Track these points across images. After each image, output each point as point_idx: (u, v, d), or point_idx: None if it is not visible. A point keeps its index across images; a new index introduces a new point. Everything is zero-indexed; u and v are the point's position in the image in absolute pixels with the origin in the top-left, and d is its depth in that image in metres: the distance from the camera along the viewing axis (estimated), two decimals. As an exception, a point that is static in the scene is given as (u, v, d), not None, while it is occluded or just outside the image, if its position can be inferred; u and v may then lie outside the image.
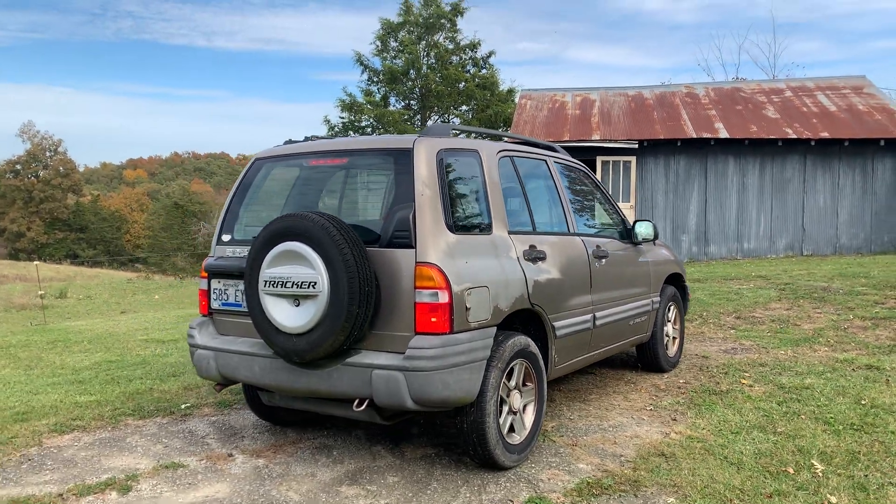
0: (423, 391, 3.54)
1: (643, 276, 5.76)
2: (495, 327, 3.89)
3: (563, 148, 5.61)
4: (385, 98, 27.63)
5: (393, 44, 27.57)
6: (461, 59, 27.56)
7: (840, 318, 8.33)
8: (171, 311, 12.89)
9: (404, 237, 3.67)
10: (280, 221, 3.76)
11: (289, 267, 3.68)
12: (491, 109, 26.40)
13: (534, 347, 4.20)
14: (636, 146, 16.92)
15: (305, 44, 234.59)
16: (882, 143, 16.33)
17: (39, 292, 13.38)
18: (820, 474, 3.86)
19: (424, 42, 27.23)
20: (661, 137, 17.06)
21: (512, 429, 4.09)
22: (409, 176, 3.78)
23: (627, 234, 5.66)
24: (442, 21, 27.33)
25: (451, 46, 27.32)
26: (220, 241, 4.42)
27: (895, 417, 4.74)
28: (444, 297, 3.58)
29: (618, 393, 5.60)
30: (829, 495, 3.59)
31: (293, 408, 4.41)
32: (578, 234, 4.96)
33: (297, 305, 3.70)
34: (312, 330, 3.63)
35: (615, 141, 16.86)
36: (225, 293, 4.28)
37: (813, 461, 4.03)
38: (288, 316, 3.70)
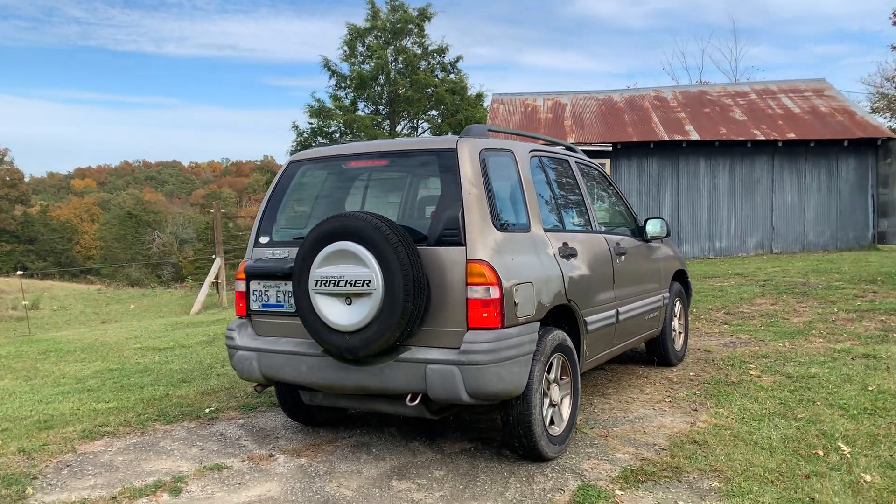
0: (477, 384, 3.63)
1: (655, 273, 5.93)
2: (539, 322, 4.00)
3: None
4: (354, 103, 27.62)
5: (360, 49, 27.58)
6: (429, 63, 27.72)
7: (825, 312, 8.64)
8: (155, 320, 12.72)
9: (454, 235, 3.76)
10: (331, 222, 3.82)
11: (341, 266, 3.74)
12: (461, 114, 26.59)
13: (569, 342, 4.32)
14: (610, 148, 17.23)
15: (258, 49, 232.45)
16: (845, 143, 16.91)
17: (24, 302, 13.08)
18: (848, 455, 4.05)
19: (392, 47, 27.31)
20: (634, 140, 17.41)
21: (552, 421, 4.20)
22: (455, 175, 3.88)
23: (640, 231, 5.82)
24: (409, 26, 27.47)
25: (419, 51, 27.45)
26: (257, 244, 4.44)
27: (904, 401, 4.97)
28: (495, 293, 3.68)
29: (633, 387, 5.76)
30: (862, 474, 3.77)
31: (336, 406, 4.45)
32: (600, 232, 5.11)
33: (350, 304, 3.76)
34: (366, 327, 3.69)
35: (589, 144, 17.14)
36: (265, 294, 4.31)
37: (839, 444, 4.22)
38: (340, 314, 3.76)
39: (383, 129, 27.17)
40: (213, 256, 14.16)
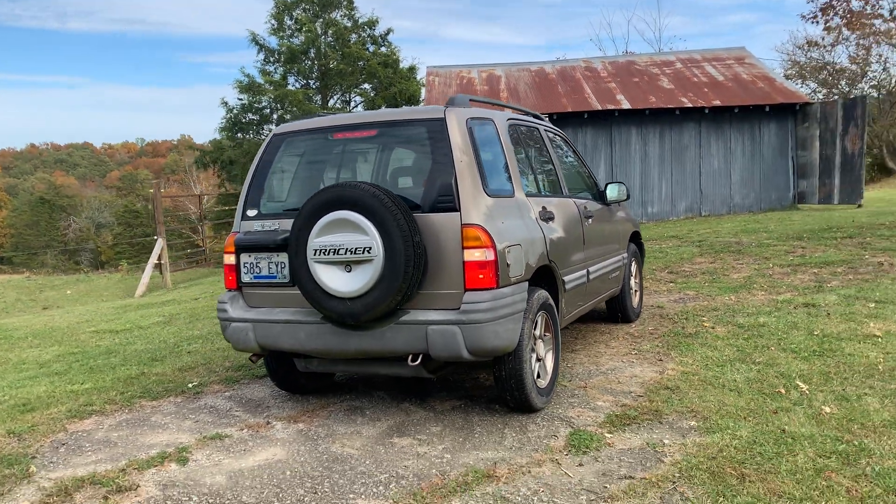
0: (477, 342, 3.83)
1: (616, 235, 6.25)
2: (527, 282, 4.22)
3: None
4: (284, 78, 27.17)
5: (289, 22, 27.09)
6: (360, 37, 27.46)
7: (762, 267, 9.20)
8: (100, 304, 12.44)
9: (448, 202, 3.93)
10: (328, 192, 3.92)
11: (340, 235, 3.86)
12: (395, 87, 26.52)
13: (551, 300, 4.56)
14: (546, 119, 17.56)
15: (170, 24, 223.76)
16: (767, 109, 17.74)
17: (-38, 291, 12.52)
18: (807, 392, 4.45)
19: (322, 20, 26.92)
20: (569, 110, 17.80)
21: (538, 375, 4.45)
22: (445, 144, 4.03)
23: (600, 195, 6.10)
24: (338, -1, 27.11)
25: (349, 24, 27.15)
26: (245, 217, 4.50)
27: (847, 343, 5.43)
28: (490, 255, 3.87)
29: (599, 342, 6.08)
30: (822, 407, 4.16)
31: (331, 371, 4.59)
32: (570, 197, 5.36)
33: (349, 271, 3.89)
34: (368, 293, 3.83)
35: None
36: (257, 266, 4.38)
37: (797, 382, 4.62)
38: (341, 281, 3.89)
39: (315, 103, 26.85)
40: (155, 237, 13.87)
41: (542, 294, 4.42)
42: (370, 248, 3.79)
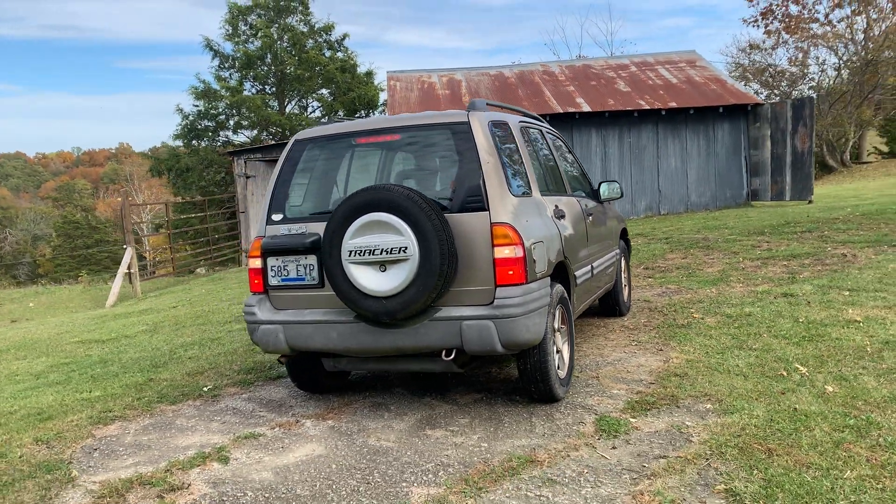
0: (510, 336, 4.01)
1: (609, 231, 6.50)
2: (549, 277, 4.42)
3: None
4: (240, 83, 26.94)
5: (244, 27, 26.88)
6: (317, 42, 27.40)
7: (733, 261, 9.61)
8: (72, 315, 12.22)
9: (477, 202, 4.10)
10: (362, 195, 4.05)
11: (375, 236, 3.99)
12: (354, 92, 26.54)
13: (566, 294, 4.77)
14: (510, 122, 17.87)
15: (104, 30, 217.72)
16: (721, 110, 18.38)
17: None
18: (807, 374, 4.74)
19: (277, 25, 26.78)
20: (533, 112, 18.11)
21: (558, 366, 4.65)
22: (471, 146, 4.21)
23: (594, 194, 6.35)
24: (293, 3, 27.01)
25: (305, 29, 27.07)
26: (270, 221, 4.59)
27: (832, 329, 5.77)
28: (519, 252, 4.06)
29: (598, 335, 6.32)
30: (825, 387, 4.46)
31: (360, 369, 4.71)
32: (573, 195, 5.58)
33: (384, 271, 4.02)
34: (404, 291, 3.97)
35: (490, 118, 17.70)
36: (284, 269, 4.48)
37: (796, 365, 4.92)
38: (376, 281, 4.02)
39: (272, 108, 26.67)
40: (124, 246, 13.67)
41: (559, 288, 4.62)
42: (406, 248, 3.93)
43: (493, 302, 4.03)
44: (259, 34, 25.88)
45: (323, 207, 4.59)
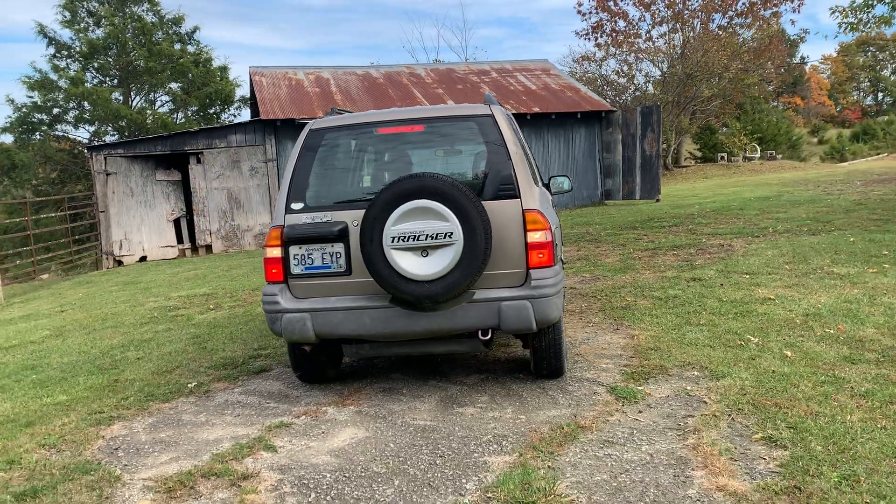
0: (544, 314, 4.32)
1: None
2: (561, 261, 4.78)
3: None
4: (81, 74, 25.00)
5: (83, 14, 24.97)
6: (167, 34, 26.01)
7: (626, 252, 10.48)
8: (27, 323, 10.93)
9: (509, 189, 4.38)
10: (405, 182, 4.18)
11: (420, 222, 4.14)
12: (210, 87, 25.47)
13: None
14: (386, 121, 18.10)
15: None
16: (578, 115, 19.72)
17: None
18: (761, 343, 5.44)
19: (122, 14, 25.14)
20: (405, 113, 18.45)
21: (561, 343, 5.02)
22: (499, 138, 4.47)
23: (546, 186, 6.80)
24: (139, -8, 25.51)
25: (154, 20, 25.62)
26: (289, 210, 4.57)
27: (754, 305, 6.58)
28: (548, 237, 4.38)
29: (551, 320, 6.77)
30: (783, 351, 5.16)
31: (383, 355, 4.81)
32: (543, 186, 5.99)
33: (426, 256, 4.19)
34: (448, 274, 4.16)
35: (366, 117, 17.83)
36: (308, 258, 4.49)
37: (748, 337, 5.62)
38: (419, 266, 4.17)
39: (116, 101, 24.96)
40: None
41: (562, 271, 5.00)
42: (451, 234, 4.12)
43: (525, 283, 4.32)
44: (102, 23, 24.16)
45: (349, 196, 4.65)
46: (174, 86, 26.41)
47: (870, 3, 11.47)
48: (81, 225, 20.22)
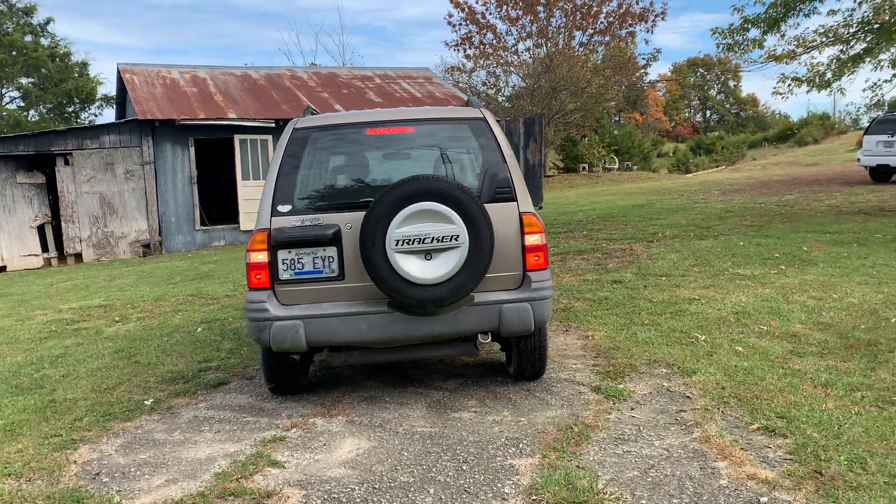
0: (541, 316, 4.37)
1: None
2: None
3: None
4: None
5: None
6: (19, 24, 23.86)
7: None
8: None
9: (506, 192, 4.39)
10: (409, 184, 4.09)
11: (424, 225, 4.06)
12: (70, 83, 23.59)
13: None
14: (273, 125, 17.57)
15: None
16: (464, 123, 20.03)
17: None
18: (710, 340, 5.76)
19: (-36, 1, 22.84)
20: (293, 117, 17.98)
21: (538, 345, 5.09)
22: (492, 141, 4.48)
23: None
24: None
25: (3, 9, 23.43)
26: (276, 213, 4.34)
27: (684, 305, 6.96)
28: (543, 239, 4.44)
29: (497, 323, 6.84)
30: (735, 347, 5.50)
31: (374, 362, 4.66)
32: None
33: (429, 259, 4.12)
34: (453, 277, 4.11)
35: (252, 120, 17.25)
36: (299, 262, 4.28)
37: (696, 335, 5.93)
38: (423, 269, 4.09)
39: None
40: None
41: None
42: (457, 236, 4.08)
43: (523, 286, 4.36)
44: (-59, 8, 21.82)
45: (340, 198, 4.48)
46: (24, 80, 24.24)
47: (745, 26, 12.54)
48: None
